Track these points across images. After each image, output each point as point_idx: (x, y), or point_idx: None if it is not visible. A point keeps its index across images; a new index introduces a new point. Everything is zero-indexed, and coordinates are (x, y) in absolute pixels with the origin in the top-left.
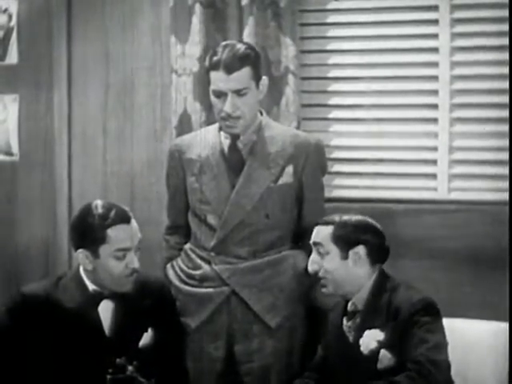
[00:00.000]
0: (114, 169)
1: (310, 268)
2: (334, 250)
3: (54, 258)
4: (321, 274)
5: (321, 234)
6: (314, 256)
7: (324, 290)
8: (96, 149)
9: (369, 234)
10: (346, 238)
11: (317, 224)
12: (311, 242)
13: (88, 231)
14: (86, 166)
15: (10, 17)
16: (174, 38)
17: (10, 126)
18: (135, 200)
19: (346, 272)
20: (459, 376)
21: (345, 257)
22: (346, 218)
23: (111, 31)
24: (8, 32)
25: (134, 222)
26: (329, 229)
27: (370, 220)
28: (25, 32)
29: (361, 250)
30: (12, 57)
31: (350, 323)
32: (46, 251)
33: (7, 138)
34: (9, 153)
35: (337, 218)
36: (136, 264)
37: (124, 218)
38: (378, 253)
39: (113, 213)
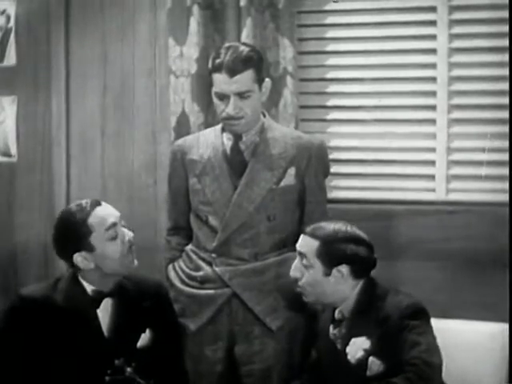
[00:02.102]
0: (112, 170)
1: (292, 274)
2: (318, 265)
3: (53, 260)
4: (301, 284)
5: (306, 245)
6: (297, 263)
7: (304, 298)
8: (94, 150)
9: (355, 249)
10: (331, 256)
11: (304, 233)
12: (297, 249)
13: (73, 231)
14: (84, 167)
15: (9, 18)
16: (171, 40)
17: (8, 127)
18: (133, 202)
19: (327, 287)
20: (458, 377)
21: (327, 273)
22: (332, 232)
23: (109, 33)
24: (6, 33)
25: (105, 203)
26: (315, 243)
27: (358, 232)
28: (23, 33)
29: (344, 268)
30: (10, 58)
31: (335, 331)
32: (45, 252)
33: (5, 140)
34: (7, 154)
35: (323, 232)
36: (129, 235)
37: (96, 203)
38: (363, 268)
39: (84, 202)
